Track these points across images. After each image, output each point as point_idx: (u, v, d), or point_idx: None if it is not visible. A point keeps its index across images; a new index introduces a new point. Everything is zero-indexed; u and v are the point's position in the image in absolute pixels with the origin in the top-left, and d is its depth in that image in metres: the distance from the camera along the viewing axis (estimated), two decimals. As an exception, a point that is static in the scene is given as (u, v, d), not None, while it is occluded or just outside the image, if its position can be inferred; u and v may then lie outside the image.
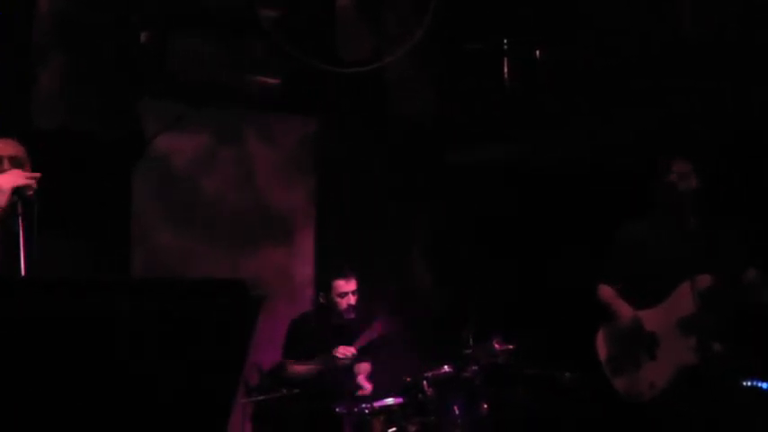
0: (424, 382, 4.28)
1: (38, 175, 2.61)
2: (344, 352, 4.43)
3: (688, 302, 3.59)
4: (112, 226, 4.97)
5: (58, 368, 1.54)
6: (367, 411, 4.22)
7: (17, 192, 2.50)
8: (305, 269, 5.74)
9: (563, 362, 4.59)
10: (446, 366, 4.38)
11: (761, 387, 4.15)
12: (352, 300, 4.59)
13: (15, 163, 2.68)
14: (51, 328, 1.53)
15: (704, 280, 3.61)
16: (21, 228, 2.43)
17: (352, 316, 4.59)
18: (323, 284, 4.82)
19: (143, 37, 4.88)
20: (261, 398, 4.30)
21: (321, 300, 4.73)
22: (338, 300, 4.59)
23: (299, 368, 4.51)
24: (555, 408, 4.71)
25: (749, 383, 4.18)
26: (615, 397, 3.79)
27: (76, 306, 1.55)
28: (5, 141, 2.75)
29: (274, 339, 4.66)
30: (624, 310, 3.76)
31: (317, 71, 4.69)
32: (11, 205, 2.49)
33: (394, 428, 4.21)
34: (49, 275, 2.49)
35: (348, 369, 4.54)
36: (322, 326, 4.64)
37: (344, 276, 4.61)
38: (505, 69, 5.10)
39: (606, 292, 3.86)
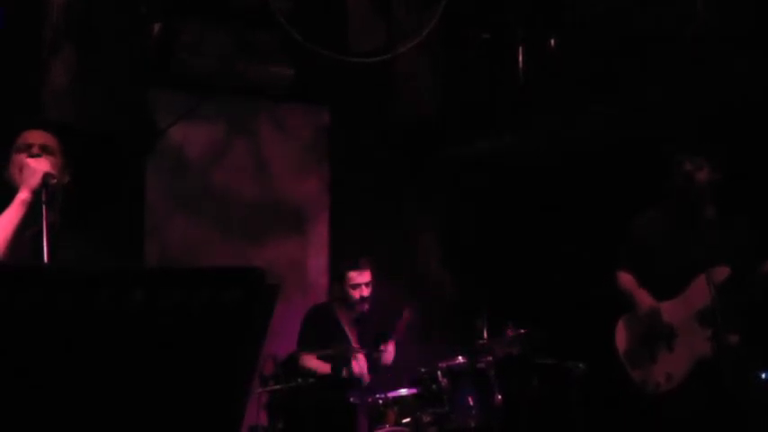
0: (438, 373, 4.27)
1: (56, 173, 2.64)
2: (387, 357, 4.44)
3: (705, 295, 3.57)
4: (126, 218, 4.99)
5: (74, 357, 1.54)
6: (381, 402, 4.22)
7: (44, 178, 2.54)
8: (319, 260, 5.74)
9: (577, 353, 4.58)
10: (460, 357, 4.37)
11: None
12: (365, 291, 4.56)
13: (46, 150, 2.73)
14: (69, 316, 1.53)
15: (721, 272, 3.59)
16: (44, 216, 2.46)
17: (366, 307, 4.57)
18: (336, 275, 4.80)
19: (155, 28, 4.88)
20: (276, 387, 4.30)
21: (335, 291, 4.72)
22: (351, 291, 4.57)
23: (313, 363, 4.49)
24: (568, 399, 4.70)
25: (766, 375, 4.15)
26: (629, 388, 3.78)
27: (93, 295, 1.55)
28: (39, 131, 2.81)
29: (289, 329, 4.66)
30: (644, 299, 3.75)
31: (330, 62, 4.68)
32: (37, 192, 2.52)
33: (408, 419, 4.21)
34: (67, 265, 2.51)
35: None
36: (337, 318, 4.63)
37: (358, 268, 4.58)
38: (520, 60, 5.08)
39: (626, 279, 3.86)
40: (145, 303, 1.59)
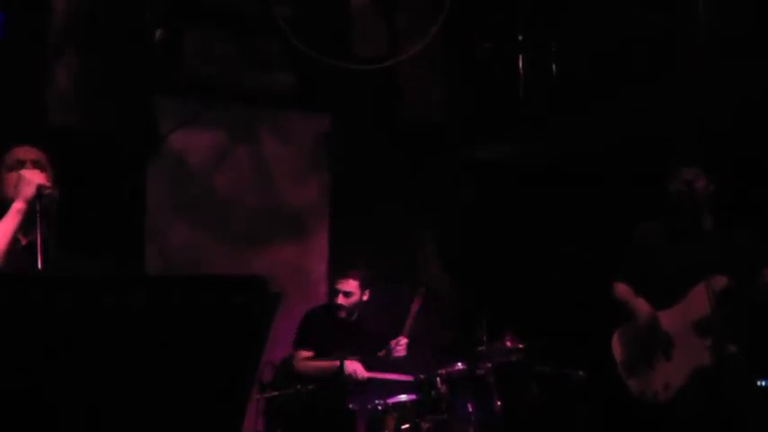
0: (438, 380, 4.27)
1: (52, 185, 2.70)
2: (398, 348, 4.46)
3: (703, 304, 3.58)
4: (127, 223, 5.00)
5: (75, 358, 1.56)
6: (380, 408, 4.22)
7: (38, 189, 2.59)
8: (319, 267, 5.75)
9: (576, 360, 4.59)
10: (459, 364, 4.37)
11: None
12: (342, 300, 4.59)
13: (38, 165, 2.79)
14: (72, 318, 1.54)
15: (720, 281, 3.60)
16: (38, 225, 2.50)
17: (343, 315, 4.60)
18: (331, 281, 4.87)
19: (158, 35, 4.90)
20: (274, 394, 4.31)
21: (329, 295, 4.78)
22: (333, 296, 4.65)
23: (311, 365, 4.52)
24: (568, 406, 4.70)
25: (764, 384, 4.16)
26: (628, 397, 3.78)
27: (92, 303, 1.56)
28: (28, 148, 2.87)
29: (288, 337, 4.67)
30: (642, 307, 3.75)
31: (332, 69, 4.69)
32: (31, 203, 2.56)
33: (407, 425, 4.20)
34: (67, 273, 2.53)
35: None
36: (332, 321, 4.66)
37: (343, 276, 4.65)
38: (521, 64, 5.10)
39: (623, 289, 3.86)
40: (147, 307, 1.60)
